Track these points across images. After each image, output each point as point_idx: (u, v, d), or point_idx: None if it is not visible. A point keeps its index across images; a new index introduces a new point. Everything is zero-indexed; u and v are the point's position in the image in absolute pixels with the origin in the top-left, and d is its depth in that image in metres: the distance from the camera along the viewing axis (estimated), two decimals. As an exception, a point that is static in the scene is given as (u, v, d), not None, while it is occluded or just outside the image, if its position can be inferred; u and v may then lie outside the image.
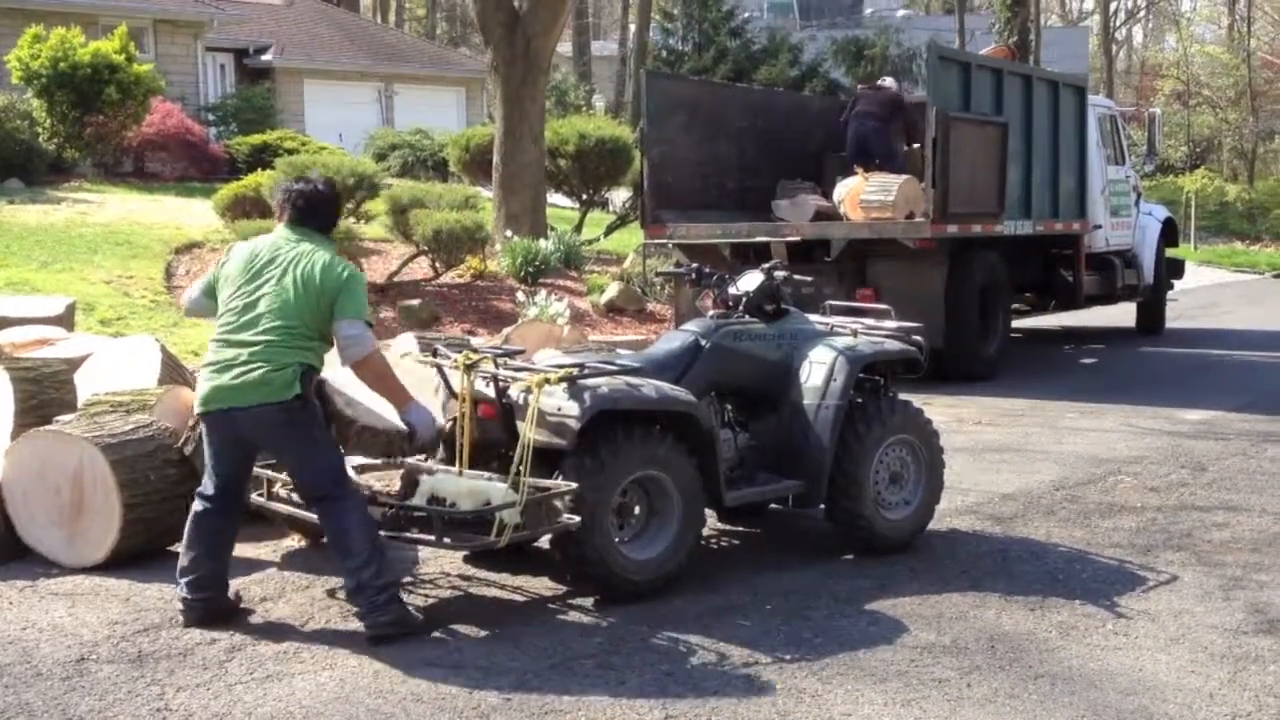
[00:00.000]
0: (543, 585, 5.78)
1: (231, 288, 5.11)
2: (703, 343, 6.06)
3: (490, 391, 5.44)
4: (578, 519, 5.19)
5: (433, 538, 5.13)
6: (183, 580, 5.19)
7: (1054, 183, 13.28)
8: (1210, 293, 21.71)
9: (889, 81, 14.44)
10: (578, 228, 18.77)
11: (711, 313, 6.39)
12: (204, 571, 5.18)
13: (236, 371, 4.96)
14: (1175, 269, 16.43)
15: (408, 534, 5.29)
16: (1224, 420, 10.04)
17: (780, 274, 6.43)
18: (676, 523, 5.58)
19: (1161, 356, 14.11)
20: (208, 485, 5.20)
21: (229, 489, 5.20)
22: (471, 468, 5.41)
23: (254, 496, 5.54)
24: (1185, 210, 29.18)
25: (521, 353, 5.72)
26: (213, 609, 5.21)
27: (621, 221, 20.39)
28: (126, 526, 5.86)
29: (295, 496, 5.40)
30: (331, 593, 5.60)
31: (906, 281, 11.54)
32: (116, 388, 6.67)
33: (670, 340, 6.20)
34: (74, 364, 7.10)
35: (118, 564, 5.88)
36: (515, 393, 5.39)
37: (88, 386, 6.81)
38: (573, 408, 5.22)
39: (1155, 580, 5.91)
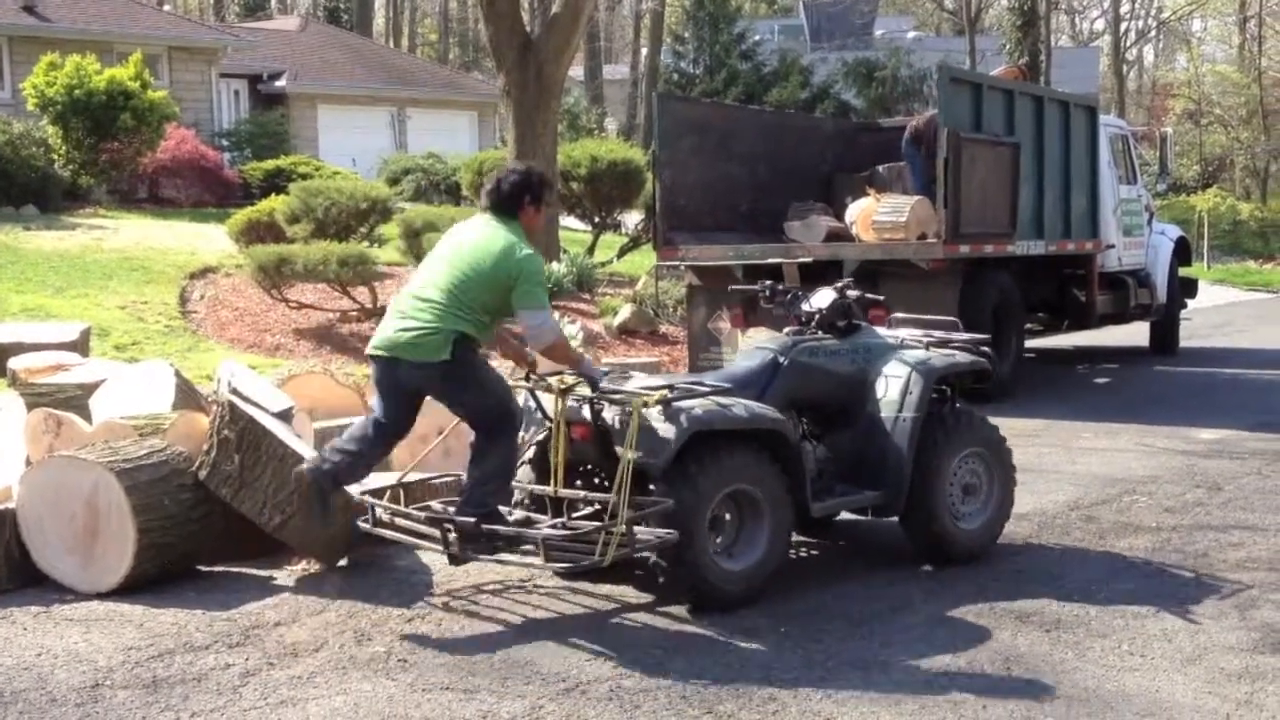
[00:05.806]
0: (556, 608, 5.78)
1: (430, 257, 5.87)
2: (781, 360, 6.23)
3: (585, 414, 5.67)
4: (675, 533, 5.36)
5: (538, 560, 5.39)
6: (328, 446, 5.85)
7: (1066, 203, 13.24)
8: (1224, 312, 21.63)
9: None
10: (590, 250, 18.82)
11: (787, 329, 6.59)
12: (344, 451, 5.73)
13: (400, 326, 5.60)
14: (1188, 288, 16.36)
15: (510, 554, 5.57)
16: (1238, 439, 10.00)
17: (852, 293, 6.64)
18: (767, 534, 5.77)
19: (1175, 376, 14.06)
20: (376, 410, 5.79)
21: (389, 421, 5.75)
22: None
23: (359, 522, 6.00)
24: (1198, 229, 29.08)
25: (609, 374, 5.98)
26: (327, 481, 5.69)
27: (634, 244, 20.42)
28: (141, 552, 5.87)
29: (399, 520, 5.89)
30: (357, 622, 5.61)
31: (919, 302, 11.44)
32: (131, 413, 6.70)
33: (750, 358, 6.39)
34: (89, 389, 7.13)
35: (132, 590, 5.89)
36: (609, 415, 5.61)
37: (102, 412, 6.83)
38: (669, 429, 5.43)
39: (1171, 600, 5.89)
